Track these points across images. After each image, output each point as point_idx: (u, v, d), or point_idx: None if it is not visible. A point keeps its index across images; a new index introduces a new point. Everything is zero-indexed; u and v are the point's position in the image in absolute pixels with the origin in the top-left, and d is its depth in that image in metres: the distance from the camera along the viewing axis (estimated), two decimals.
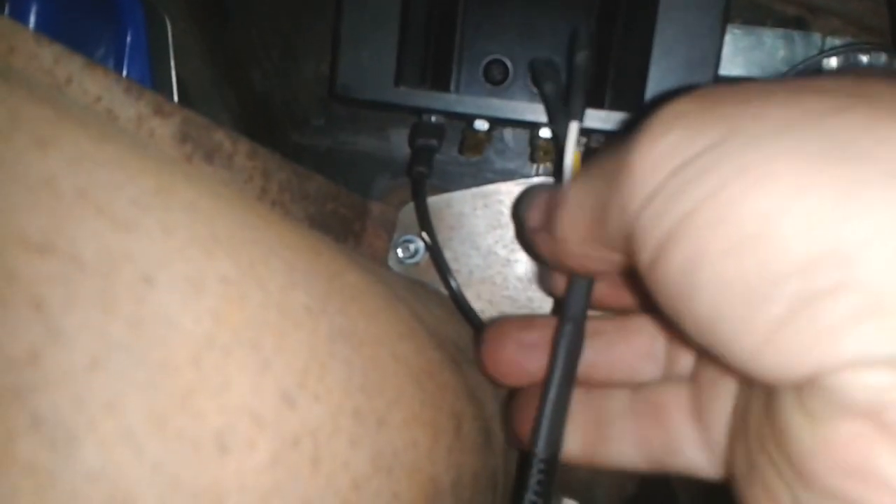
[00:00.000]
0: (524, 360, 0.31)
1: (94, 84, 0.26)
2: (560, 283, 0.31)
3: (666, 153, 0.19)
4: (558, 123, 0.32)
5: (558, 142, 0.31)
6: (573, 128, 0.31)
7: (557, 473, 0.30)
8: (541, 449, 0.30)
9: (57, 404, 0.13)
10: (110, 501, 0.14)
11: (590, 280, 0.30)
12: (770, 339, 0.17)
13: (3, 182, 0.14)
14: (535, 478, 0.30)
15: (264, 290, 0.20)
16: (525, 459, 0.30)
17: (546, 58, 0.36)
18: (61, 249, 0.14)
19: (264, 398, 0.18)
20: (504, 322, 0.33)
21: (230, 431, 0.17)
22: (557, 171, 0.33)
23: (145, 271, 0.16)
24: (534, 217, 0.28)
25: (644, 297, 0.25)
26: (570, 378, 0.31)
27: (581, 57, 0.33)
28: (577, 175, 0.26)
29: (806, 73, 0.39)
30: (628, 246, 0.21)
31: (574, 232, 0.25)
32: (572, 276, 0.30)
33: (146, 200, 0.18)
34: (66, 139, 0.17)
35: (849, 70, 0.39)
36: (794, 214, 0.17)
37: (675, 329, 0.21)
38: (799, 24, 0.41)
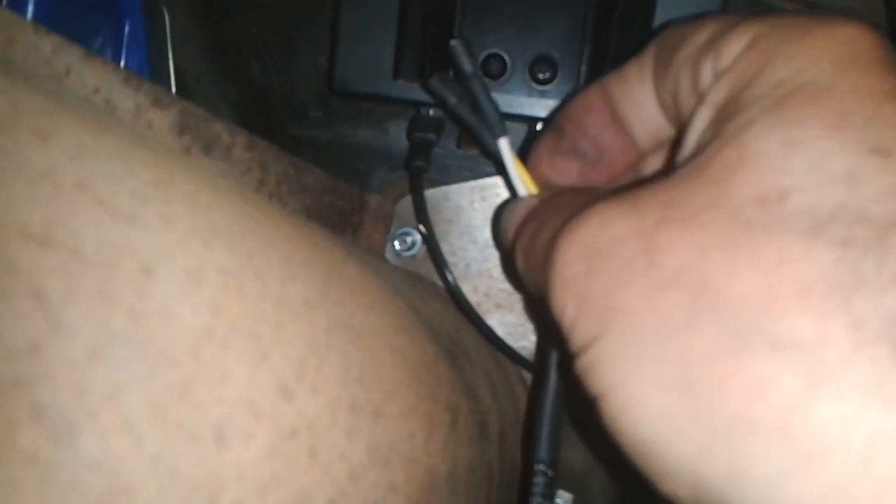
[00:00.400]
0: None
1: (92, 75, 0.26)
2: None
3: (571, 331, 0.21)
4: (487, 143, 0.32)
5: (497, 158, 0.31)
6: (503, 144, 0.31)
7: (558, 476, 0.31)
8: (543, 455, 0.30)
9: (57, 395, 0.14)
10: (110, 491, 0.14)
11: None
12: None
13: (4, 173, 0.14)
14: (539, 481, 0.30)
15: (262, 281, 0.20)
16: (527, 466, 0.31)
17: (445, 75, 0.34)
18: (62, 241, 0.14)
19: (262, 390, 0.18)
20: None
21: (228, 423, 0.17)
22: (509, 186, 0.32)
23: (145, 263, 0.16)
24: (506, 238, 0.29)
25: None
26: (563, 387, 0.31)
27: (468, 68, 0.32)
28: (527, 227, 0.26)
29: None
30: None
31: (526, 278, 0.27)
32: None
33: (146, 192, 0.18)
34: (66, 131, 0.17)
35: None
36: (664, 449, 0.19)
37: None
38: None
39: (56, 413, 0.13)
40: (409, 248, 0.41)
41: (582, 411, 0.31)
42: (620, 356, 0.19)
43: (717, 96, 0.22)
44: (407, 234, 0.41)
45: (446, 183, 0.41)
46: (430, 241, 0.39)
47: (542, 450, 0.30)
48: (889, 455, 0.16)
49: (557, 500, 0.41)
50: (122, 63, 0.40)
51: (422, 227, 0.40)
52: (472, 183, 0.41)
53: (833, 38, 0.20)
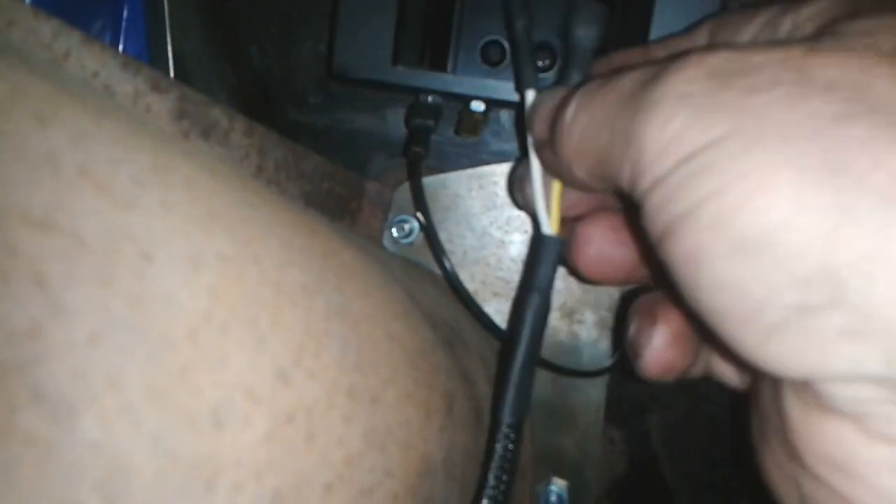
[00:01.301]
0: (615, 254, 0.31)
1: (91, 59, 0.26)
2: (529, 196, 0.31)
3: (673, 141, 0.20)
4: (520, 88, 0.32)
5: (522, 106, 0.31)
6: (530, 96, 0.31)
7: (522, 439, 0.31)
8: (507, 415, 0.30)
9: (58, 378, 0.14)
10: (109, 473, 0.14)
11: (556, 249, 0.31)
12: (766, 342, 0.18)
13: (5, 158, 0.14)
14: (501, 443, 0.30)
15: (261, 267, 0.20)
16: (491, 427, 0.31)
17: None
18: (62, 226, 0.15)
19: (260, 375, 0.18)
20: (590, 224, 0.32)
21: (226, 407, 0.17)
22: (523, 143, 0.33)
23: (145, 248, 0.16)
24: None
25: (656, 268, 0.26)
26: (535, 346, 0.31)
27: (519, 25, 0.32)
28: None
29: None
30: (636, 203, 0.22)
31: (578, 160, 0.25)
32: (539, 245, 0.31)
33: (145, 177, 0.18)
34: (67, 116, 0.17)
35: None
36: (793, 230, 0.17)
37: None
38: None
39: (56, 396, 0.14)
40: (407, 236, 0.42)
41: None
42: (754, 146, 0.18)
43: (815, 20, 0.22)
44: (405, 221, 0.41)
45: (444, 170, 0.41)
46: (428, 229, 0.40)
47: (508, 407, 0.30)
48: None
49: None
50: (121, 47, 0.40)
51: (419, 215, 0.40)
52: (471, 171, 0.41)
53: None
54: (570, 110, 0.25)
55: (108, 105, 0.23)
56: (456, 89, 0.37)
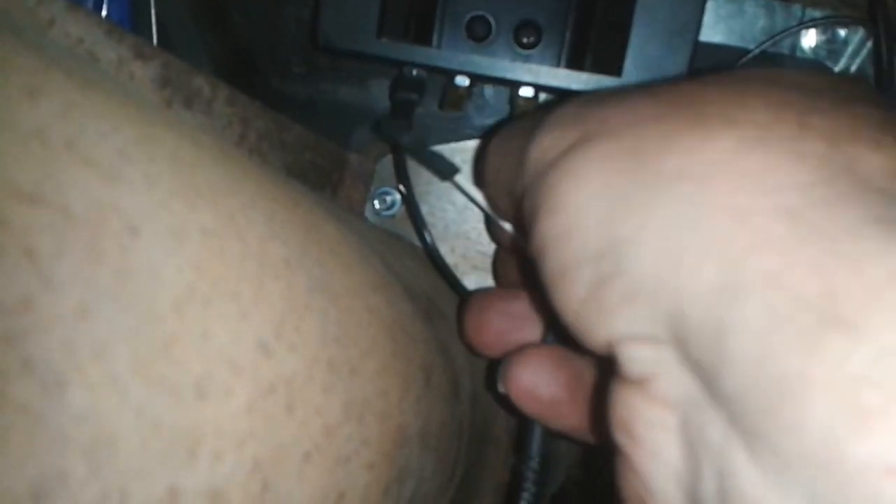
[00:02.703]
0: (508, 330, 0.33)
1: (75, 26, 0.26)
2: (502, 234, 0.33)
3: (543, 150, 0.23)
4: (449, 180, 0.37)
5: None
6: (460, 180, 0.35)
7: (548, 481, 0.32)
8: (533, 457, 0.31)
9: (47, 349, 0.14)
10: (95, 441, 0.15)
11: None
12: (578, 314, 0.21)
13: None
14: (528, 483, 0.31)
15: (244, 241, 0.21)
16: (516, 470, 0.32)
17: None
18: (51, 200, 0.15)
19: (242, 347, 0.19)
20: (488, 293, 0.34)
21: (209, 378, 0.17)
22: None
23: (131, 222, 0.17)
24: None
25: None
26: None
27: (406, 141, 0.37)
28: (503, 130, 0.28)
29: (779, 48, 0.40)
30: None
31: (493, 182, 0.29)
32: None
33: (130, 151, 0.18)
34: (55, 88, 0.17)
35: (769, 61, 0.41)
36: (590, 211, 0.20)
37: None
38: None
39: (46, 366, 0.14)
40: (389, 208, 0.42)
41: None
42: (583, 145, 0.21)
43: None
44: (387, 193, 0.42)
45: (427, 144, 0.42)
46: (410, 202, 0.40)
47: (534, 449, 0.31)
48: None
49: None
50: (104, 13, 0.39)
51: (401, 187, 0.40)
52: (454, 144, 0.41)
53: None
54: (490, 144, 0.29)
55: (94, 74, 0.23)
56: (440, 63, 0.37)
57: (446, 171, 0.36)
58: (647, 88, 0.22)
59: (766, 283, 0.16)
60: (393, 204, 0.42)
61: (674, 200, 0.19)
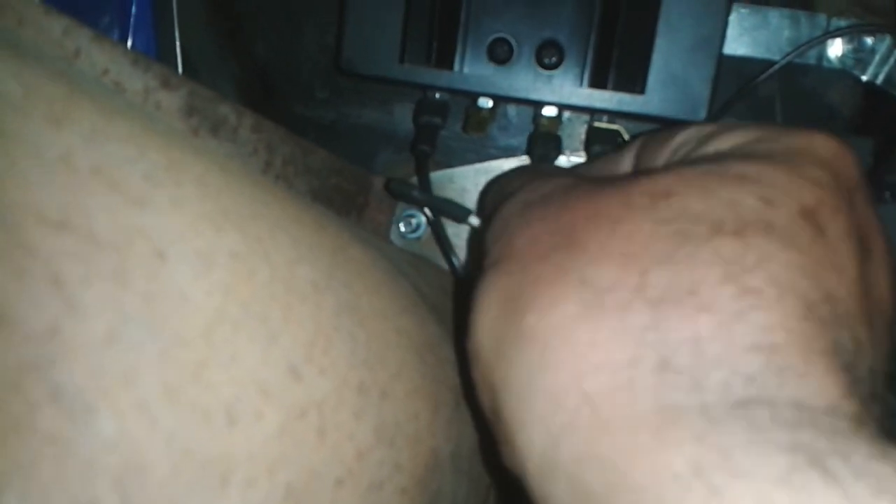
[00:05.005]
0: None
1: (101, 56, 0.26)
2: None
3: (484, 250, 0.25)
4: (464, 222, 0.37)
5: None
6: (474, 220, 0.36)
7: None
8: None
9: (75, 376, 0.14)
10: (125, 470, 0.15)
11: None
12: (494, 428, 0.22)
13: (21, 158, 0.15)
14: None
15: (271, 264, 0.21)
16: None
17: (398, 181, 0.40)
18: (78, 225, 0.15)
19: (272, 371, 0.18)
20: None
21: (239, 403, 0.17)
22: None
23: (158, 246, 0.16)
24: None
25: None
26: None
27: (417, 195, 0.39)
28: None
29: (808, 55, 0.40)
30: None
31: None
32: None
33: (158, 175, 0.18)
34: (80, 115, 0.17)
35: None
36: (485, 343, 0.22)
37: None
38: (805, 3, 0.41)
39: (74, 394, 0.14)
40: (415, 231, 0.42)
41: None
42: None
43: None
44: (412, 216, 0.42)
45: (451, 165, 0.42)
46: (435, 224, 0.40)
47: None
48: None
49: None
50: (130, 43, 0.40)
51: (427, 210, 0.40)
52: (478, 165, 0.41)
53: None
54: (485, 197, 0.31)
55: (119, 103, 0.24)
56: (463, 87, 0.37)
57: (460, 215, 0.37)
58: (559, 204, 0.23)
59: (572, 466, 0.18)
60: (418, 226, 0.42)
61: (524, 363, 0.20)
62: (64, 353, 0.14)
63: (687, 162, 0.24)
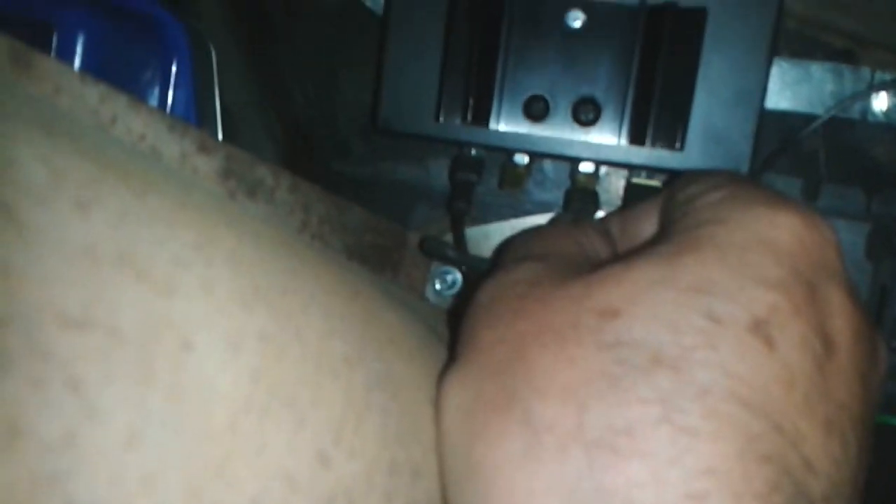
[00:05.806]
0: None
1: (138, 122, 0.27)
2: None
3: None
4: None
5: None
6: None
7: None
8: None
9: (93, 486, 0.13)
10: None
11: None
12: None
13: (41, 253, 0.14)
14: None
15: (302, 342, 0.20)
16: None
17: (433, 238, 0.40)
18: (100, 322, 0.14)
19: (299, 458, 0.18)
20: None
21: (265, 497, 0.17)
22: None
23: (185, 336, 0.16)
24: None
25: None
26: None
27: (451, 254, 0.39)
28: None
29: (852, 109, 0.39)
30: None
31: None
32: None
33: (187, 256, 0.18)
34: (109, 197, 0.17)
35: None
36: (448, 437, 0.23)
37: None
38: (848, 56, 0.40)
39: None
40: (451, 287, 0.41)
41: None
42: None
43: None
44: (447, 272, 0.41)
45: (487, 221, 0.41)
46: (471, 282, 0.39)
47: None
48: None
49: None
50: (170, 99, 0.40)
51: (463, 268, 0.40)
52: (513, 221, 0.41)
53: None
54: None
55: (154, 173, 0.24)
56: (499, 143, 0.37)
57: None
58: (516, 308, 0.23)
59: None
60: (454, 283, 0.41)
61: (472, 491, 0.21)
62: (81, 462, 0.13)
63: (666, 234, 0.24)
